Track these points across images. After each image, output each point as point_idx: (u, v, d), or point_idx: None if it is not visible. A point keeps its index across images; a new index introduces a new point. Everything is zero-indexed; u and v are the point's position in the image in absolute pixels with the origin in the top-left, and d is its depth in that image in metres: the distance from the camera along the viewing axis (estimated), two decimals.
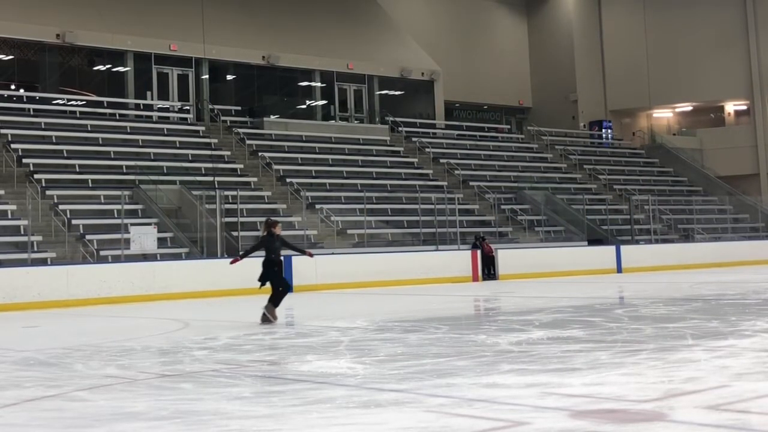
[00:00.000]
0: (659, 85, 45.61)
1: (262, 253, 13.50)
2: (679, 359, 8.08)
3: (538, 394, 6.45)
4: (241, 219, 24.49)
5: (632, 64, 45.81)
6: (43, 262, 20.63)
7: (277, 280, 13.33)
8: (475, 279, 25.45)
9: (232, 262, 14.17)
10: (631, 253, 29.24)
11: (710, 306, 14.55)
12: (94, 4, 31.38)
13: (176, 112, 31.92)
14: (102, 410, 6.52)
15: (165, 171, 26.72)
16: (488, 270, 25.82)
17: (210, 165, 27.69)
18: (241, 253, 14.40)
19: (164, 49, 31.90)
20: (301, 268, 22.21)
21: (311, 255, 14.69)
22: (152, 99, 31.70)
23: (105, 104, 30.37)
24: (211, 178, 26.33)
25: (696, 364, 7.86)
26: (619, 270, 28.45)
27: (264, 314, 13.07)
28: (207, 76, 32.99)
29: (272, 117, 34.05)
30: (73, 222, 22.73)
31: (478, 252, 25.77)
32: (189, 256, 22.73)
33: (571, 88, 45.11)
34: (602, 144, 44.23)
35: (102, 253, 21.67)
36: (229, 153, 29.81)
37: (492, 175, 34.68)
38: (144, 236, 21.92)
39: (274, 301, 13.19)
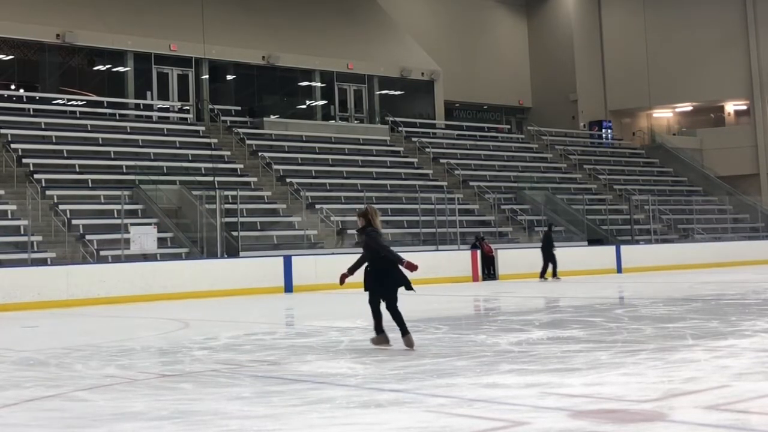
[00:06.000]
0: (659, 85, 45.60)
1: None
2: (679, 359, 8.08)
3: (538, 394, 6.45)
4: (241, 219, 24.49)
5: (632, 64, 45.80)
6: (43, 262, 20.63)
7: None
8: (475, 279, 25.43)
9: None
10: (631, 253, 29.22)
11: (710, 306, 14.55)
12: (94, 4, 31.37)
13: (176, 112, 31.91)
14: (102, 410, 6.52)
15: (165, 171, 26.70)
16: (488, 270, 25.81)
17: (210, 165, 27.68)
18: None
19: (164, 49, 31.89)
20: (301, 267, 22.22)
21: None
22: (152, 99, 31.70)
23: (105, 104, 30.36)
24: (211, 178, 26.32)
25: (696, 364, 7.86)
26: (619, 270, 28.43)
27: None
28: (207, 76, 32.97)
29: (272, 117, 34.04)
30: (73, 222, 22.73)
31: (478, 252, 25.76)
32: (189, 256, 22.73)
33: (571, 88, 45.10)
34: (602, 144, 44.22)
35: (102, 253, 21.67)
36: (229, 153, 29.80)
37: (492, 175, 34.67)
38: (144, 236, 21.91)
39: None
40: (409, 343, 9.45)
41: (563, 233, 31.13)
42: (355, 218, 11.29)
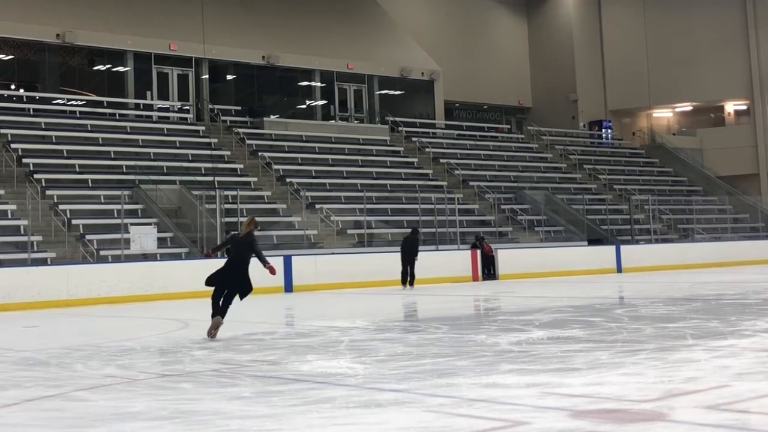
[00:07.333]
0: (659, 85, 45.60)
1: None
2: (679, 359, 8.08)
3: (538, 394, 6.45)
4: (241, 219, 24.45)
5: (632, 64, 45.80)
6: (43, 262, 20.62)
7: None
8: (475, 279, 25.43)
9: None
10: (631, 253, 29.22)
11: (710, 306, 14.55)
12: (94, 4, 31.37)
13: (176, 112, 31.91)
14: (102, 410, 6.53)
15: (165, 171, 26.71)
16: (488, 270, 25.81)
17: (210, 165, 27.68)
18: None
19: (164, 49, 31.89)
20: (301, 267, 22.21)
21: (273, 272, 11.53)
22: (152, 99, 31.69)
23: (105, 104, 30.36)
24: (211, 178, 26.33)
25: (696, 364, 7.86)
26: (619, 270, 28.43)
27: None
28: (207, 76, 32.97)
29: (272, 117, 34.04)
30: (73, 222, 22.73)
31: (478, 252, 25.76)
32: (189, 256, 22.72)
33: (571, 88, 45.10)
34: (602, 144, 44.23)
35: (102, 253, 21.67)
36: (229, 153, 29.80)
37: (492, 175, 34.68)
38: (144, 236, 21.91)
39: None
40: (213, 327, 11.07)
41: (563, 233, 31.16)
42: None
